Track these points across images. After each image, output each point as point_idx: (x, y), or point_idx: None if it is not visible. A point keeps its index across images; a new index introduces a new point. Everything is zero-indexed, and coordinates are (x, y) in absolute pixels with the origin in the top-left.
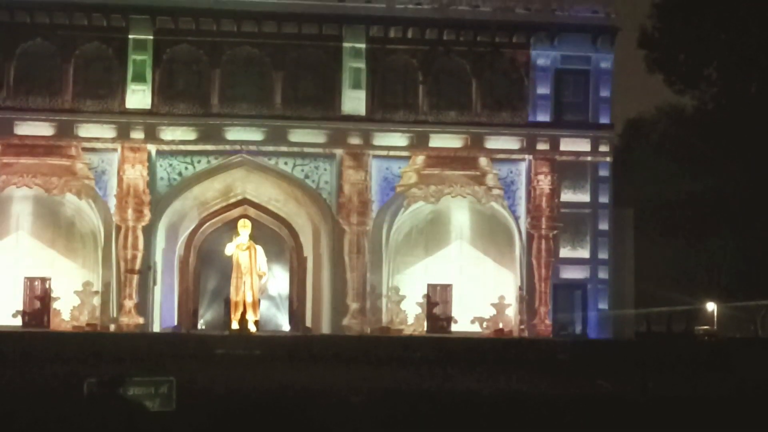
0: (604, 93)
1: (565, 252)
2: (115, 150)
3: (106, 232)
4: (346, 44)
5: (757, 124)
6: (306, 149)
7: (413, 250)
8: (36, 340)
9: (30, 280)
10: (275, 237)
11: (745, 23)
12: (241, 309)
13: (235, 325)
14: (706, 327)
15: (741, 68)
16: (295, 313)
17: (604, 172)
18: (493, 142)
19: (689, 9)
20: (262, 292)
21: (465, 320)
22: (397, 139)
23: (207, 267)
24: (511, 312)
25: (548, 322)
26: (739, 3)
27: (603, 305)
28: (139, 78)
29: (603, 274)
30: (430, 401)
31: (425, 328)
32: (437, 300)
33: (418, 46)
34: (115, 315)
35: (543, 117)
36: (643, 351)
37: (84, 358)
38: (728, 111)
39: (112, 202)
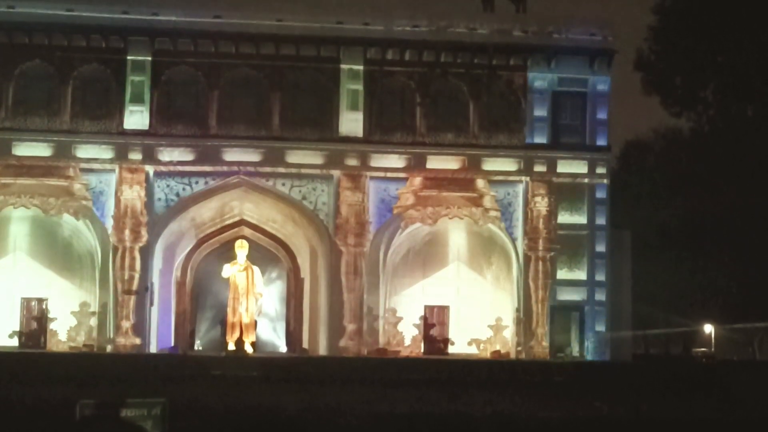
0: (601, 115)
1: (562, 274)
2: (112, 171)
3: (103, 252)
4: (343, 66)
5: (754, 146)
6: (303, 170)
7: (410, 272)
8: (32, 360)
9: (27, 301)
10: (272, 258)
11: (742, 46)
12: (237, 330)
13: (231, 346)
14: (703, 349)
15: (737, 91)
16: (292, 334)
17: (601, 194)
18: (491, 164)
19: (685, 32)
20: (259, 313)
21: (462, 342)
22: (395, 161)
23: (204, 288)
24: (509, 334)
25: (545, 344)
26: (735, 26)
27: (600, 327)
28: (138, 99)
29: (600, 296)
30: (427, 423)
31: (422, 350)
32: (434, 321)
33: (415, 68)
34: (111, 336)
35: (540, 139)
36: (639, 373)
37: (80, 380)
38: (725, 133)
39: (110, 223)
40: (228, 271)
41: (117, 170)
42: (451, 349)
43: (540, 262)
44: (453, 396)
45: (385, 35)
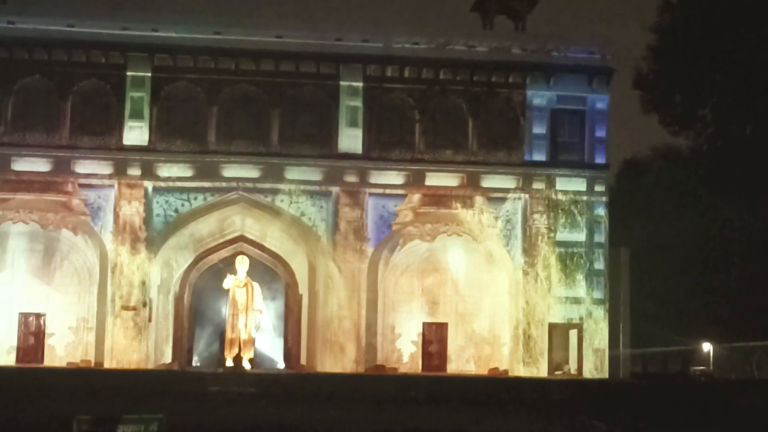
0: (600, 133)
1: (560, 291)
2: (111, 186)
3: (101, 268)
4: (343, 83)
5: (752, 164)
6: (302, 187)
7: (409, 288)
8: (30, 376)
9: (25, 316)
10: (271, 274)
11: (740, 65)
12: (236, 346)
13: (229, 363)
14: (702, 368)
15: (736, 109)
16: (290, 351)
17: (599, 212)
18: (489, 181)
19: (684, 51)
20: (257, 329)
21: (460, 359)
22: (394, 177)
23: (202, 304)
24: (507, 351)
25: (543, 361)
26: (734, 45)
27: (598, 345)
28: (137, 115)
29: (599, 314)
30: None
31: (420, 367)
32: (432, 338)
33: (414, 85)
34: (109, 352)
35: (539, 156)
36: (637, 391)
37: (77, 395)
38: (723, 152)
39: (108, 239)
40: (229, 282)
41: (116, 186)
42: (449, 367)
43: (538, 279)
44: (451, 413)
45: (384, 52)
